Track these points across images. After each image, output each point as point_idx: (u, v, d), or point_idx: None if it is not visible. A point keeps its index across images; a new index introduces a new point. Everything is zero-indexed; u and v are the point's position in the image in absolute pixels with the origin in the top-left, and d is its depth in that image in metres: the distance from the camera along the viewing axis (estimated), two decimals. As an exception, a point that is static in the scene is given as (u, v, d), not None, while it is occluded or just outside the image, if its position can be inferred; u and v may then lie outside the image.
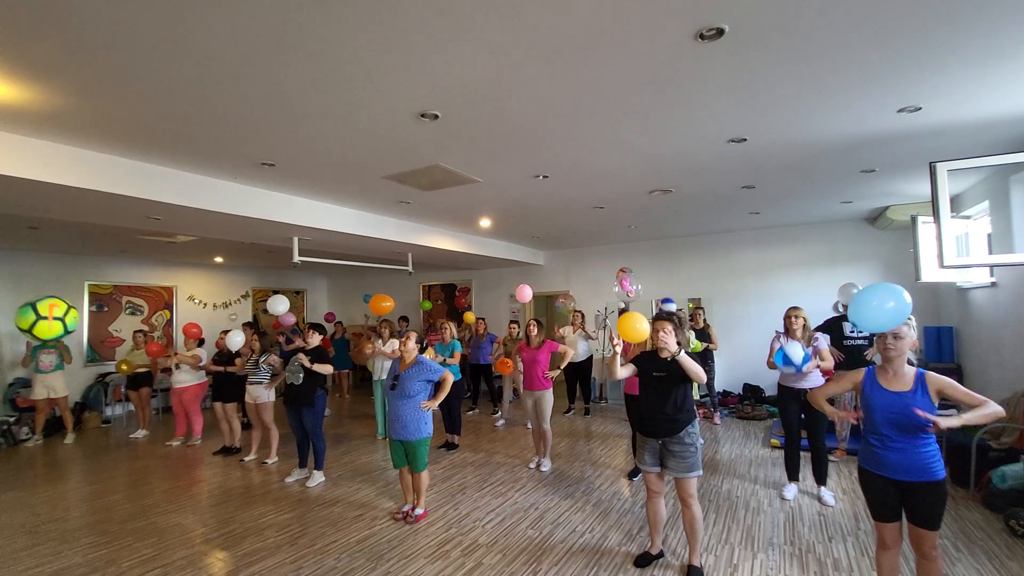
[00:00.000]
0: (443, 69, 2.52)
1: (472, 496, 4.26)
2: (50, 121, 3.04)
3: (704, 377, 2.86)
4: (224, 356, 5.78)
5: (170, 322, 9.16)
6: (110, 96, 2.73)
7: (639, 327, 2.63)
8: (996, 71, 2.67)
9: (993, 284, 4.88)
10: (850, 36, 2.29)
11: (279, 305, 4.48)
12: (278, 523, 3.83)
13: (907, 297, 2.29)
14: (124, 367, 6.78)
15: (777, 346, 3.99)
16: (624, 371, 3.01)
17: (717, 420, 6.70)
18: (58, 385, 6.51)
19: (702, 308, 7.01)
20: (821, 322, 4.79)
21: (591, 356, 7.33)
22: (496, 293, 10.25)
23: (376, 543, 3.46)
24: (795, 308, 4.05)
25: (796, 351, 3.81)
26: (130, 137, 3.34)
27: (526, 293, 4.75)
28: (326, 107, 2.94)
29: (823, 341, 3.99)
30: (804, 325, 3.99)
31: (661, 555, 3.15)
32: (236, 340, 5.39)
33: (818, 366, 3.90)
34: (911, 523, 2.29)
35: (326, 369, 4.59)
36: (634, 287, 5.52)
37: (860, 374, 2.46)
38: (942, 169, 3.53)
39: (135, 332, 7.21)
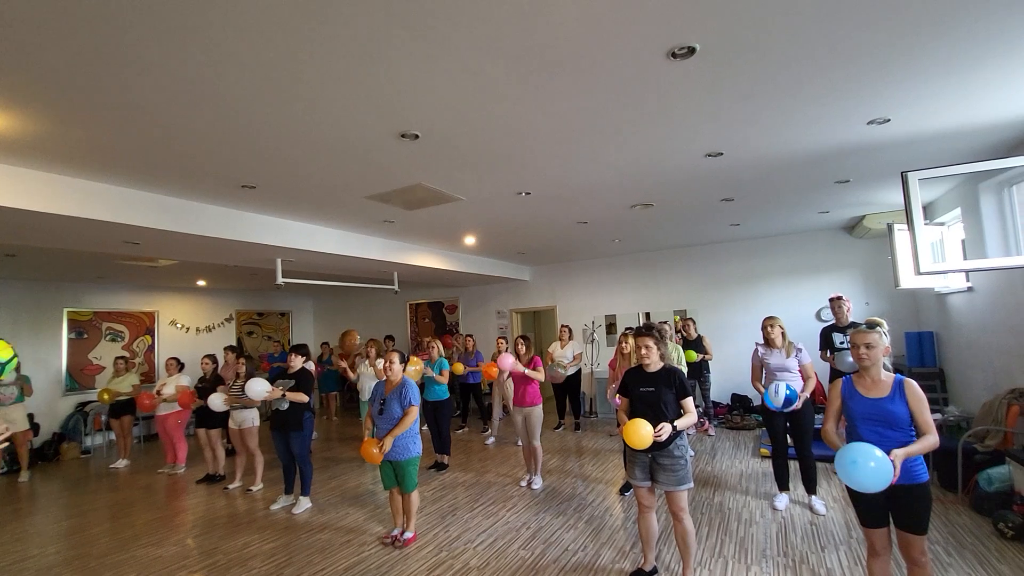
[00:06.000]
0: (422, 88, 2.54)
1: (463, 517, 4.20)
2: (24, 148, 2.99)
3: (695, 418, 2.91)
4: (208, 385, 5.66)
5: (152, 348, 8.98)
6: (84, 122, 2.70)
7: (643, 433, 2.72)
8: (960, 83, 2.76)
9: (970, 289, 4.98)
10: (816, 52, 2.36)
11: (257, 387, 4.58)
12: (263, 552, 3.73)
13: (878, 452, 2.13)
14: (105, 396, 6.60)
15: (758, 362, 4.12)
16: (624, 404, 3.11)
17: (711, 432, 6.70)
18: (18, 418, 6.23)
19: (692, 319, 6.96)
20: (817, 334, 4.90)
21: (579, 371, 7.31)
22: (483, 310, 10.22)
23: (365, 570, 3.38)
24: (771, 317, 4.10)
25: (781, 394, 3.74)
26: (105, 162, 3.30)
27: (506, 363, 4.92)
28: (306, 128, 2.94)
29: (806, 355, 4.03)
30: (782, 334, 4.04)
31: (655, 571, 3.11)
32: (216, 403, 5.26)
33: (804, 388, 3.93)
34: (898, 528, 2.31)
35: (299, 398, 4.53)
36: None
37: (838, 386, 2.50)
38: (913, 179, 3.61)
39: (116, 359, 7.04)
